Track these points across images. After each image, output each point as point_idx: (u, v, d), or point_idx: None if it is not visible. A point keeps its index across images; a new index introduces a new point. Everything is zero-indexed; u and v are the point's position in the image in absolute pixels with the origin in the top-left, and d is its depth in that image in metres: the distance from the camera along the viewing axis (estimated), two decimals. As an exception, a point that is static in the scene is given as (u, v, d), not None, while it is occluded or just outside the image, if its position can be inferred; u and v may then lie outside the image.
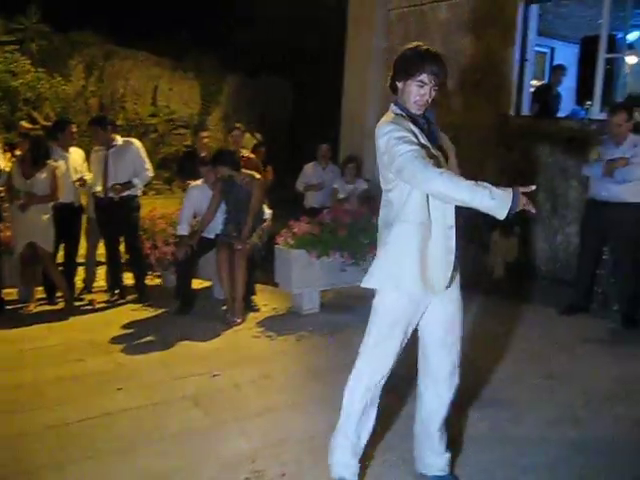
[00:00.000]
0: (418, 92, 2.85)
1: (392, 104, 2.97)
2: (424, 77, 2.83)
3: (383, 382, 3.07)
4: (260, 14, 16.28)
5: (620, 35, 8.07)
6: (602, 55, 7.05)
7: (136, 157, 6.77)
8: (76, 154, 6.90)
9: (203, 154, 7.39)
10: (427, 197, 2.86)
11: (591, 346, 5.46)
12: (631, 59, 9.84)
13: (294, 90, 18.39)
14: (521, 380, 4.62)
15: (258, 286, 6.77)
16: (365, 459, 3.26)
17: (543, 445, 3.72)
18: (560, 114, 8.86)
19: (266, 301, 6.62)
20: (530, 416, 4.08)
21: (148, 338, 5.56)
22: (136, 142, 6.94)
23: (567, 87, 9.13)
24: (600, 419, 4.09)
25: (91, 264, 7.24)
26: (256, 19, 16.31)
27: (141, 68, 16.46)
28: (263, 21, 16.23)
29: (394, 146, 2.75)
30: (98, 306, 6.65)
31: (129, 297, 6.86)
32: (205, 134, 8.46)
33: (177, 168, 8.08)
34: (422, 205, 2.87)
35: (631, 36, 9.80)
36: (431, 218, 2.90)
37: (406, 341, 3.04)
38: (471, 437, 3.75)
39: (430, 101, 2.90)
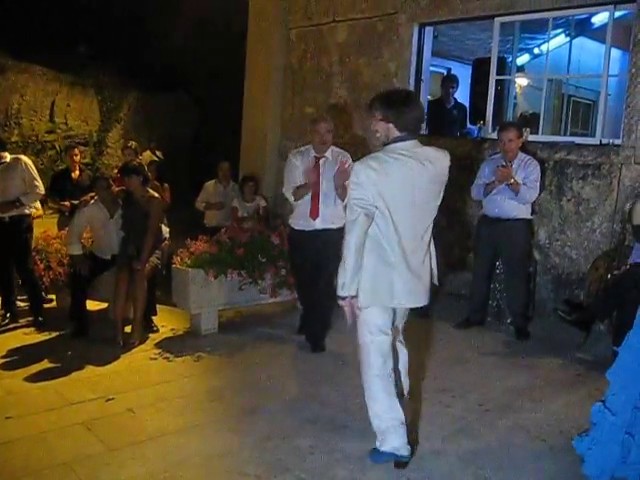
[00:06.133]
0: None
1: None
2: None
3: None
4: (164, 31, 16.12)
5: (510, 58, 8.36)
6: (493, 77, 7.30)
7: (25, 174, 6.41)
8: None
9: (77, 172, 7.49)
10: None
11: (486, 358, 5.62)
12: (522, 81, 10.27)
13: (198, 108, 18.26)
14: (417, 395, 4.68)
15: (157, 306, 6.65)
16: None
17: (439, 458, 3.79)
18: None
19: (164, 322, 6.48)
20: (426, 430, 4.15)
21: (41, 363, 5.34)
22: (25, 158, 6.56)
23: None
24: (494, 430, 4.21)
25: None
26: (159, 36, 16.13)
27: (38, 83, 15.93)
28: (167, 38, 16.08)
29: None
30: (-12, 331, 6.36)
31: (22, 320, 6.55)
32: (76, 151, 8.02)
33: (49, 188, 7.60)
34: None
35: (520, 59, 10.24)
36: None
37: None
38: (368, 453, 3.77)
39: None
